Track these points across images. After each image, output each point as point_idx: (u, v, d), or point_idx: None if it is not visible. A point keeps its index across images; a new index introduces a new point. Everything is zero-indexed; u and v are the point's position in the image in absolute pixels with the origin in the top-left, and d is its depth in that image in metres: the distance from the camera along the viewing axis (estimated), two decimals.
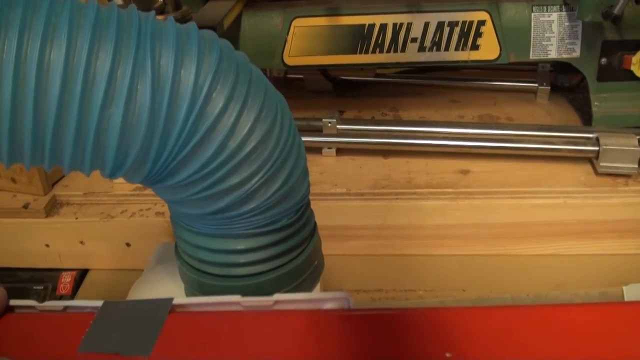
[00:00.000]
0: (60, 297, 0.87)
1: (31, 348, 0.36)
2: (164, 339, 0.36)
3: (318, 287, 0.47)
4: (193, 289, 0.46)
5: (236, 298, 0.38)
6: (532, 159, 0.82)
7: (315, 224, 0.47)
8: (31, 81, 0.33)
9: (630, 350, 0.33)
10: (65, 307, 0.39)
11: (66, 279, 0.88)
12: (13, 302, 0.41)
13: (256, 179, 0.38)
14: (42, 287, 0.90)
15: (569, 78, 1.01)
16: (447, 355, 0.33)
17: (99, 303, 0.39)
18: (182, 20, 0.76)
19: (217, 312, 0.38)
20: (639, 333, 0.34)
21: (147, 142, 0.35)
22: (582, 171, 0.80)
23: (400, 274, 0.76)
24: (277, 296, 0.37)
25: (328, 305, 0.37)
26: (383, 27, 0.83)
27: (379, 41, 0.84)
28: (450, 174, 0.80)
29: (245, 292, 0.40)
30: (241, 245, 0.41)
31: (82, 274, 0.89)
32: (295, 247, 0.44)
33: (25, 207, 0.86)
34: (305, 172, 0.43)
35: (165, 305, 0.38)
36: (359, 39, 0.84)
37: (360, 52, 0.85)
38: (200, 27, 0.77)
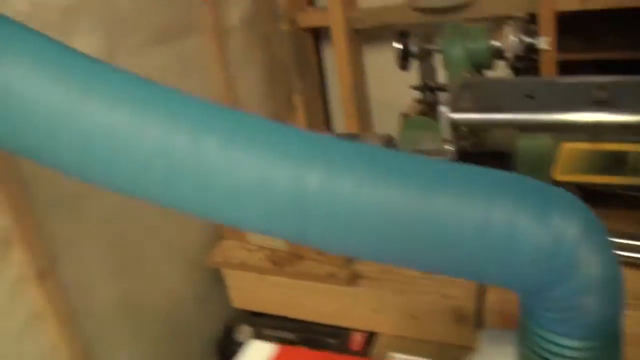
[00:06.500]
0: (352, 352, 1.16)
1: None
2: None
3: None
4: None
5: None
6: None
7: None
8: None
9: None
10: None
11: (357, 337, 1.17)
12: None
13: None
14: (335, 341, 1.20)
15: None
16: None
17: None
18: None
19: None
20: None
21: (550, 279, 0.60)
22: None
23: None
24: None
25: None
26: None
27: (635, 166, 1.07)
28: None
29: None
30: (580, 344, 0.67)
31: (369, 335, 1.18)
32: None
33: (332, 275, 1.17)
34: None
35: None
36: (615, 162, 1.08)
37: (616, 174, 1.09)
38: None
